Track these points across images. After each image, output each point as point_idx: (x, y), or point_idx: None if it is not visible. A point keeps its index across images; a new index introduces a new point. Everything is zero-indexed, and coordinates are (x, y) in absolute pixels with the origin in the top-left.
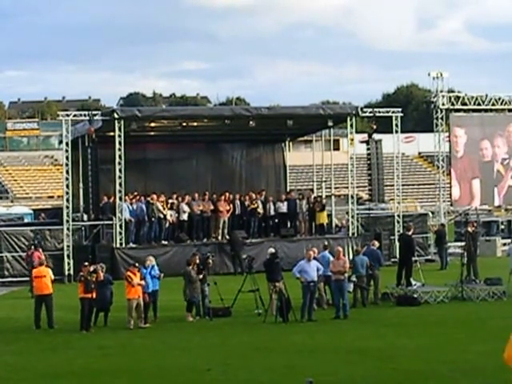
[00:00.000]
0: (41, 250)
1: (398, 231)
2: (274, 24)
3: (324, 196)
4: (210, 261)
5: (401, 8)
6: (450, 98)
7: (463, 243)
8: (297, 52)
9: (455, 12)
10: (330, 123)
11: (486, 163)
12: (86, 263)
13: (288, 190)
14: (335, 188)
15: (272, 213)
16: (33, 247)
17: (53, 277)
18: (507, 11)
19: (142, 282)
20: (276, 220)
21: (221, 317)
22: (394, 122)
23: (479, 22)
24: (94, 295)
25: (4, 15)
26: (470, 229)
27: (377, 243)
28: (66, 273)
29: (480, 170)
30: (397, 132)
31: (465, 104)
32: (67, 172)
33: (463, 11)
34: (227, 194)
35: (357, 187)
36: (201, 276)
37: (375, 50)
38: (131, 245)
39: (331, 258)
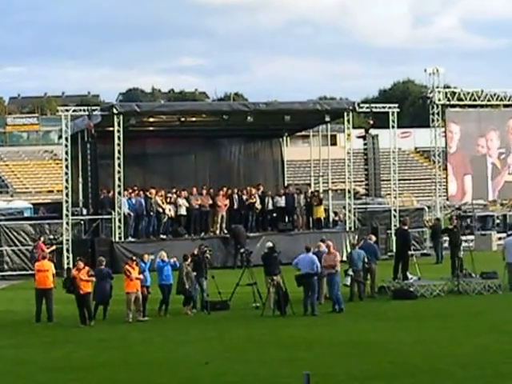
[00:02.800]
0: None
1: (395, 225)
2: (271, 20)
3: (321, 191)
4: (208, 255)
5: (396, 5)
6: (446, 93)
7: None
8: (294, 48)
9: (450, 9)
10: (328, 118)
11: (481, 158)
12: (78, 258)
13: (286, 184)
14: (332, 183)
15: (270, 207)
16: (41, 239)
17: (54, 271)
18: (502, 8)
19: (141, 276)
20: (274, 214)
21: (219, 310)
22: (390, 118)
23: (474, 19)
24: (88, 290)
25: (4, 11)
26: (450, 226)
27: (374, 237)
28: (66, 266)
29: (473, 165)
30: (393, 127)
31: (461, 100)
32: (67, 167)
33: (458, 8)
34: (225, 189)
35: (354, 182)
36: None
37: (372, 46)
38: (130, 239)
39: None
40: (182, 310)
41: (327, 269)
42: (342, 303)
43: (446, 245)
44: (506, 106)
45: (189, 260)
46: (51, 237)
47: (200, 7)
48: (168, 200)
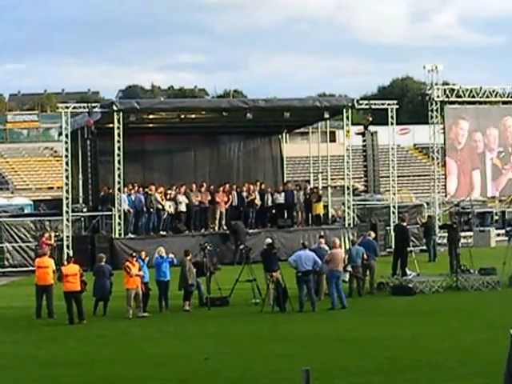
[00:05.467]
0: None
1: (394, 222)
2: (270, 17)
3: (320, 187)
4: (207, 251)
5: (394, 1)
6: (444, 90)
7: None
8: (292, 45)
9: (448, 6)
10: (327, 115)
11: (480, 155)
12: (71, 256)
13: (285, 181)
14: (331, 179)
15: (269, 204)
16: (45, 235)
17: (54, 267)
18: (499, 5)
19: (141, 273)
20: (273, 211)
21: (218, 306)
22: (389, 114)
23: (472, 16)
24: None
25: (3, 8)
26: (449, 222)
27: (373, 234)
28: (66, 263)
29: (479, 161)
30: (392, 124)
31: (459, 96)
32: (67, 163)
33: (456, 5)
34: (225, 186)
35: (353, 178)
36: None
37: (370, 43)
38: (130, 235)
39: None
40: (183, 304)
41: (332, 265)
42: (334, 302)
43: (444, 241)
44: (504, 102)
45: (190, 255)
46: (53, 234)
47: (199, 4)
48: (168, 196)
